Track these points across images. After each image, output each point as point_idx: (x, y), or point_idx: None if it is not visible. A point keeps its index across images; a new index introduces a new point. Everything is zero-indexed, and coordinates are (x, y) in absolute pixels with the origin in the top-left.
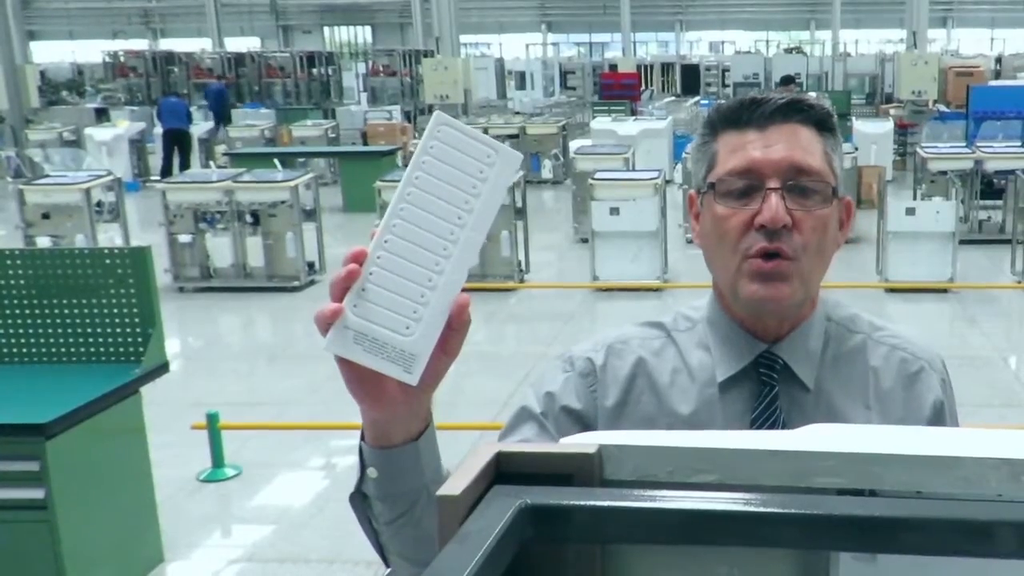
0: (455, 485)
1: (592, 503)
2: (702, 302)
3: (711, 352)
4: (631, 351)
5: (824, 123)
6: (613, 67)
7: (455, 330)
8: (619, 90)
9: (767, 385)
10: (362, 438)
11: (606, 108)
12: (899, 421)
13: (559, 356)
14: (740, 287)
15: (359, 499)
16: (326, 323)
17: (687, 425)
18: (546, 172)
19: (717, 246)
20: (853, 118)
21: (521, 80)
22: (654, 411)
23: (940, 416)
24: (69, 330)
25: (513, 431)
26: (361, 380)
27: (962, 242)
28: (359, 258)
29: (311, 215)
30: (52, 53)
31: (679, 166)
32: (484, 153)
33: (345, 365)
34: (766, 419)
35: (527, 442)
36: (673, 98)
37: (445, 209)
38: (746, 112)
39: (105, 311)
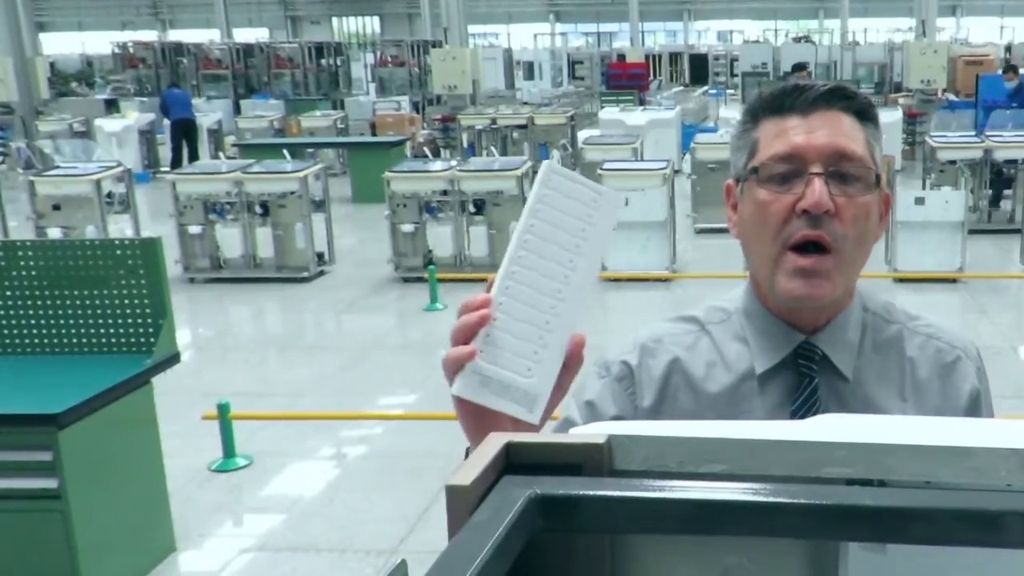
0: (465, 475)
1: (602, 493)
2: (736, 293)
3: (748, 344)
4: (664, 349)
5: (866, 112)
6: (621, 57)
7: (569, 368)
8: (627, 80)
9: (807, 376)
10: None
11: (614, 98)
12: (935, 411)
13: (595, 362)
14: (778, 282)
15: None
16: (457, 366)
17: (726, 419)
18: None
19: (757, 233)
20: None
21: (529, 70)
22: (692, 407)
23: (976, 405)
24: (80, 321)
25: None
26: (480, 418)
27: (971, 231)
28: (486, 304)
29: (320, 206)
30: (61, 44)
31: (687, 156)
32: (590, 197)
33: (464, 405)
34: (807, 410)
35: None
36: (681, 88)
37: (559, 254)
38: (789, 98)
39: (116, 302)
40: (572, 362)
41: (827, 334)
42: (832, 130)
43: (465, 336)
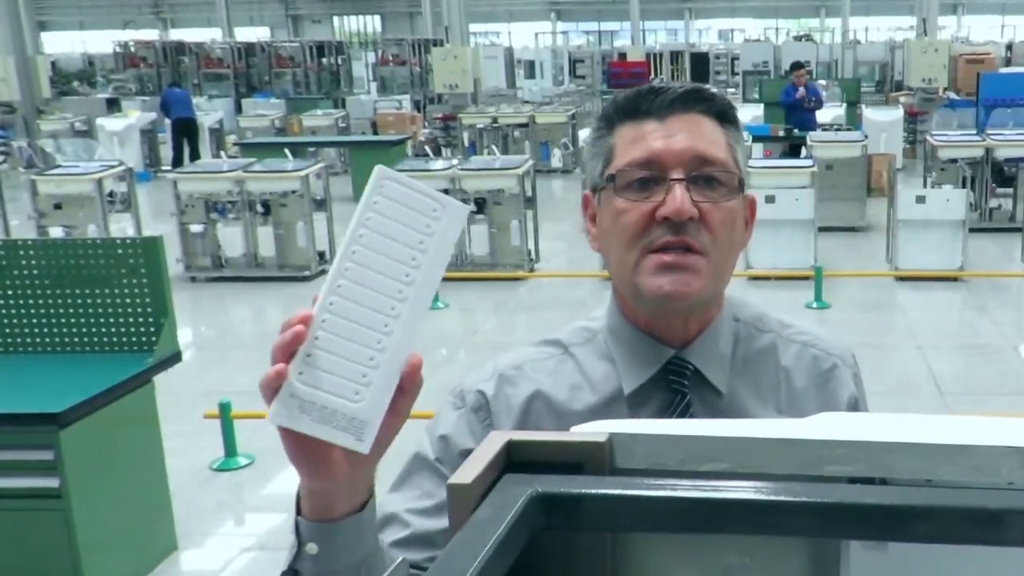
0: (467, 474)
1: (603, 491)
2: (601, 312)
3: (615, 363)
4: (524, 377)
5: (725, 114)
6: (622, 56)
7: (406, 392)
8: (628, 79)
9: (678, 393)
10: (298, 512)
11: None
12: None
13: (451, 391)
14: (642, 283)
15: None
16: (271, 389)
17: None
18: (555, 161)
19: (616, 242)
20: (863, 106)
21: (530, 69)
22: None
23: (855, 412)
24: (82, 320)
25: (406, 481)
26: (306, 451)
27: (972, 230)
28: (304, 321)
29: (322, 205)
30: (63, 43)
31: None
32: (430, 207)
33: (289, 435)
34: None
35: (425, 496)
36: None
37: (392, 267)
38: (644, 102)
39: (118, 301)
40: (409, 385)
41: (698, 347)
42: (691, 134)
43: (281, 356)
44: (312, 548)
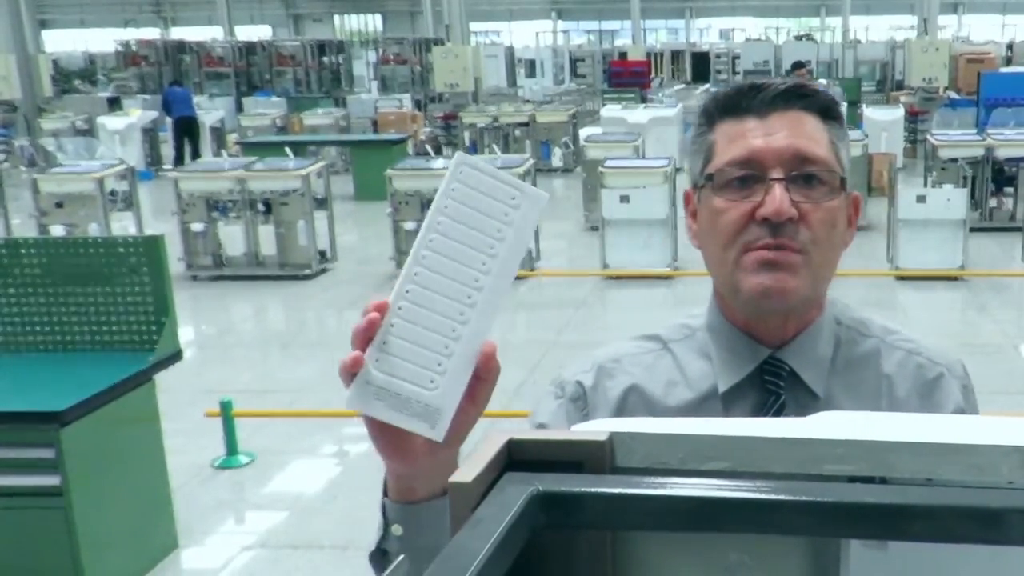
0: (467, 472)
1: (604, 490)
2: (702, 309)
3: (712, 361)
4: (622, 370)
5: (829, 110)
6: (623, 55)
7: (483, 380)
8: (629, 78)
9: (773, 394)
10: (385, 493)
11: (616, 96)
12: None
13: (552, 380)
14: (741, 281)
15: (379, 556)
16: (348, 375)
17: None
18: (556, 160)
19: (714, 242)
20: (863, 105)
21: (531, 68)
22: None
23: None
24: (83, 318)
25: None
26: (386, 435)
27: (973, 229)
28: (381, 308)
29: (323, 203)
30: (64, 42)
31: None
32: (509, 195)
33: (369, 420)
34: None
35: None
36: (683, 86)
37: (469, 255)
38: (745, 99)
39: (119, 299)
40: (484, 373)
41: (795, 348)
42: (792, 131)
43: (359, 343)
44: (397, 529)
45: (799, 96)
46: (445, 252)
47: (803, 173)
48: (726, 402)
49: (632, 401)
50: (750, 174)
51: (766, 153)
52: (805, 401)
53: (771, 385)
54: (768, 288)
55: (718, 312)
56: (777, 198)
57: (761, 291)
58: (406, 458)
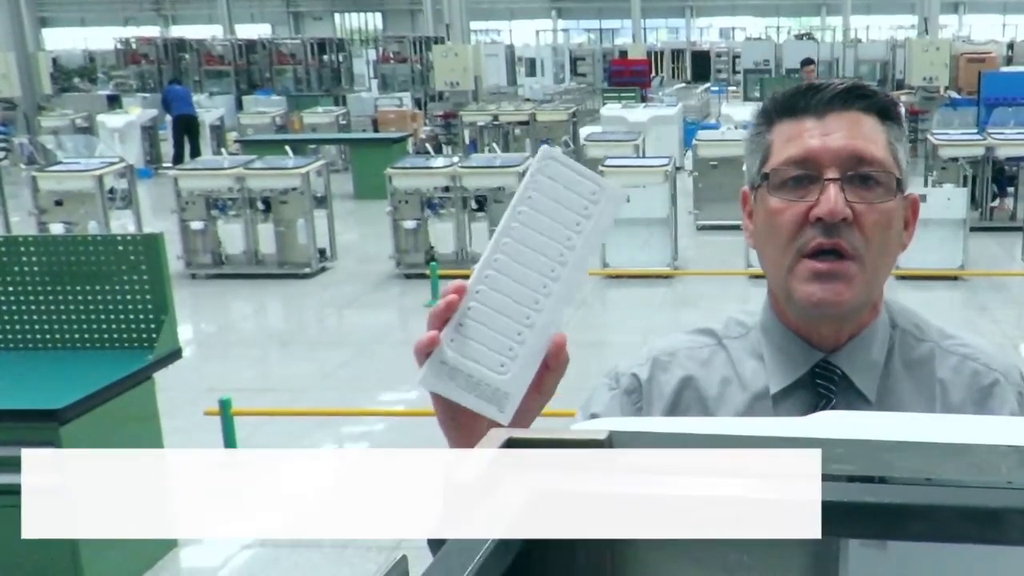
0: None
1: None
2: (757, 307)
3: (764, 361)
4: (677, 364)
5: (887, 111)
6: (623, 53)
7: (551, 370)
8: (629, 76)
9: (824, 397)
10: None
11: (616, 95)
12: None
13: (607, 372)
14: (794, 289)
15: (435, 545)
16: (423, 354)
17: None
18: None
19: (770, 243)
20: None
21: (531, 67)
22: None
23: None
24: (83, 316)
25: None
26: (455, 415)
27: (973, 229)
28: (459, 291)
29: (322, 202)
30: (64, 40)
31: (689, 153)
32: (590, 190)
33: (439, 401)
34: None
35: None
36: (683, 85)
37: (548, 246)
38: (803, 99)
39: (118, 297)
40: (553, 363)
41: (848, 352)
42: (849, 132)
43: (435, 323)
44: None
45: (858, 96)
46: (525, 241)
47: (859, 173)
48: (776, 403)
49: (687, 396)
50: (806, 174)
51: (822, 153)
52: (856, 405)
53: (822, 388)
54: (821, 300)
55: (772, 313)
56: (832, 198)
57: (814, 301)
58: (471, 440)
